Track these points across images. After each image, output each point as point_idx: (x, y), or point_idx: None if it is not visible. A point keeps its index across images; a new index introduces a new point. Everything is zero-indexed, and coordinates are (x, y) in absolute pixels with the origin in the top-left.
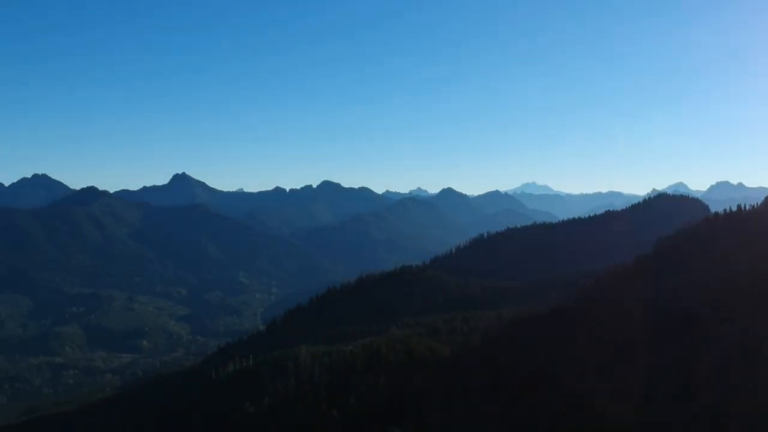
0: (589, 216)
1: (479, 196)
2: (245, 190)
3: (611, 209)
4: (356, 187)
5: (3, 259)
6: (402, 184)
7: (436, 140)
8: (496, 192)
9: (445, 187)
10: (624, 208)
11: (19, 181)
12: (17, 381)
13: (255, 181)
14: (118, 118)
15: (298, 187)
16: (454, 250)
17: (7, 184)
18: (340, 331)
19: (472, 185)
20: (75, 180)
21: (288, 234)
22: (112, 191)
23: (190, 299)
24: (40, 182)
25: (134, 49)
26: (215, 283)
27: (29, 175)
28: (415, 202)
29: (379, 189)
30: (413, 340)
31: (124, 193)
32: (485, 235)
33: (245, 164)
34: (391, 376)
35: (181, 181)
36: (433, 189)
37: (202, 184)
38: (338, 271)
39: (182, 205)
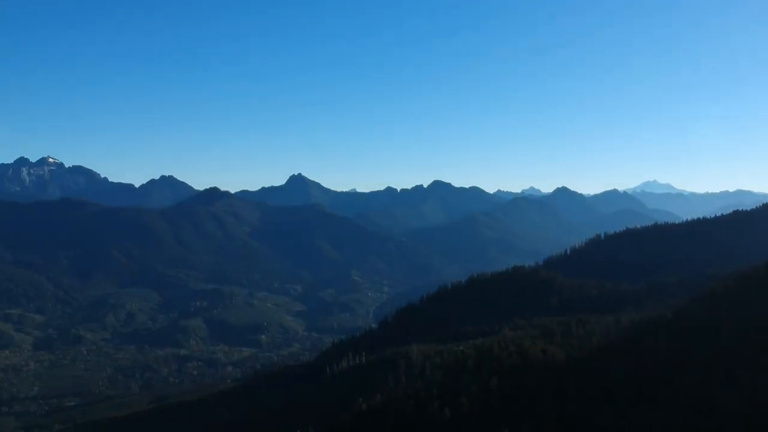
0: (715, 216)
1: (596, 196)
2: (358, 190)
3: (740, 209)
4: (467, 186)
5: (134, 256)
6: (514, 184)
7: (549, 138)
8: (614, 191)
9: (559, 186)
10: (755, 207)
11: (148, 183)
12: (147, 371)
13: (367, 182)
14: (240, 123)
15: (409, 187)
16: (568, 251)
17: (137, 185)
18: (450, 331)
19: (587, 184)
20: (199, 181)
21: (399, 233)
22: (233, 192)
23: (305, 296)
24: (167, 183)
25: (253, 55)
26: (329, 281)
27: (157, 177)
28: (528, 201)
29: (490, 188)
30: (526, 341)
31: (244, 194)
32: (602, 235)
33: (358, 165)
34: (504, 377)
35: (297, 182)
36: (547, 188)
37: (317, 185)
38: (449, 271)
39: (298, 205)
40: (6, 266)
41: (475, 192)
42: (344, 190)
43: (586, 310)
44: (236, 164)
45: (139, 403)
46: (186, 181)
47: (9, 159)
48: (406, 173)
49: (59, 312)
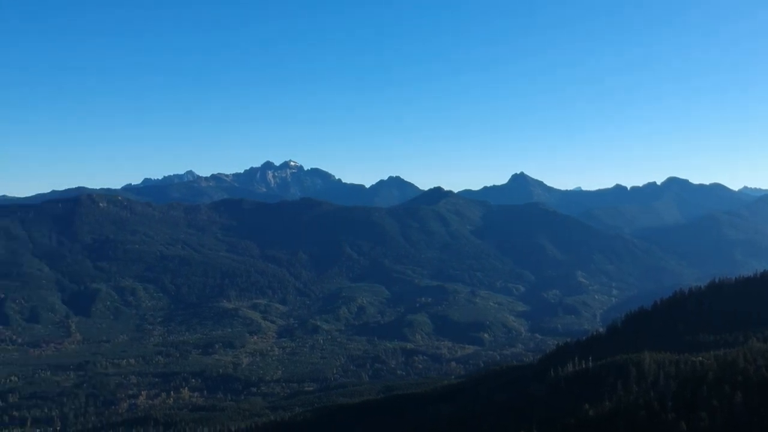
0: None
1: None
2: (583, 188)
3: None
4: (707, 183)
5: (365, 252)
6: (762, 180)
7: None
8: None
9: None
10: None
11: (377, 183)
12: (377, 362)
13: (593, 180)
14: (459, 125)
15: (641, 185)
16: None
17: (367, 185)
18: (687, 340)
19: None
20: (424, 181)
21: (629, 233)
22: (456, 191)
23: (527, 296)
24: (395, 184)
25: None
26: (553, 282)
27: (386, 178)
28: None
29: (734, 185)
30: None
31: (466, 193)
32: None
33: (583, 163)
34: (750, 393)
35: (519, 180)
36: None
37: (540, 183)
38: (686, 275)
39: (520, 203)
40: (255, 260)
41: (717, 189)
42: (568, 188)
43: None
44: (459, 164)
45: (369, 392)
46: (412, 182)
47: (257, 163)
48: (636, 170)
49: (299, 303)
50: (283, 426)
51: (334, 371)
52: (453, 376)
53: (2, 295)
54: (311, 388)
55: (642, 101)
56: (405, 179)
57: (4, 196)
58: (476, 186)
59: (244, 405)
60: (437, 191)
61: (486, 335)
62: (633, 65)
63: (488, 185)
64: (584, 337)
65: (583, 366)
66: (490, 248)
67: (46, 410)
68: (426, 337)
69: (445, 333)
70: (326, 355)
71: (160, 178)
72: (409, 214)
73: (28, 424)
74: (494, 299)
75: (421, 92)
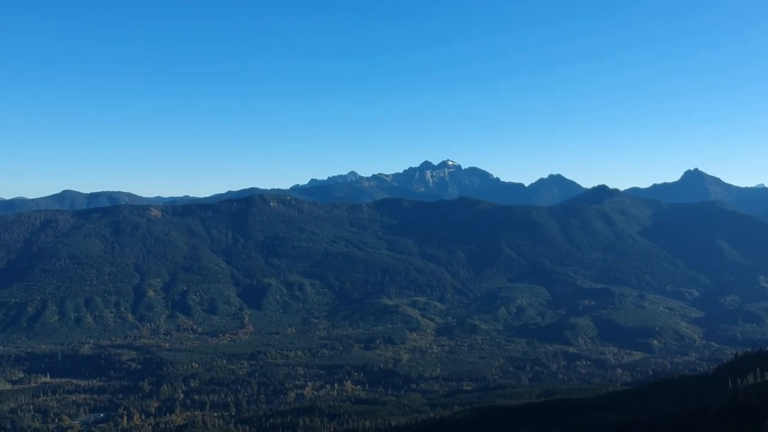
0: None
1: None
2: (766, 185)
3: None
4: None
5: (524, 252)
6: None
7: None
8: None
9: None
10: None
11: (537, 182)
12: (537, 364)
13: None
14: (632, 119)
15: None
16: None
17: (527, 184)
18: None
19: None
20: (587, 179)
21: None
22: (622, 189)
23: (702, 302)
24: (556, 182)
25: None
26: (731, 286)
27: (546, 176)
28: None
29: None
30: None
31: (634, 191)
32: None
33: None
34: None
35: (693, 177)
36: None
37: (717, 180)
38: None
39: (694, 202)
40: (414, 259)
41: None
42: (749, 185)
43: None
44: (626, 162)
45: (529, 395)
46: (574, 180)
47: (416, 163)
48: None
49: (457, 302)
50: (442, 424)
51: (493, 372)
52: (618, 383)
53: (185, 288)
54: (470, 388)
55: None
56: (566, 177)
57: (186, 196)
58: (645, 184)
59: (404, 400)
60: (601, 189)
61: (655, 342)
62: None
63: (658, 183)
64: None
65: (766, 378)
66: (660, 250)
67: (222, 395)
68: (589, 341)
69: (610, 338)
70: (485, 355)
71: (325, 178)
72: (571, 213)
73: (207, 407)
74: (665, 304)
75: (584, 87)
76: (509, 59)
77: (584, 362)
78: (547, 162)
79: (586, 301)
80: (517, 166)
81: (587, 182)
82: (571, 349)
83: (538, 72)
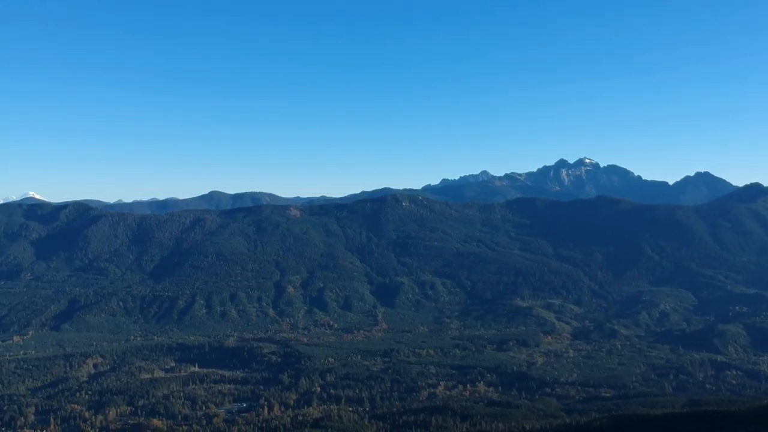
0: None
1: None
2: None
3: None
4: None
5: (668, 254)
6: None
7: None
8: None
9: None
10: None
11: (682, 180)
12: (681, 373)
13: None
14: None
15: None
16: None
17: (671, 183)
18: None
19: None
20: (738, 177)
21: None
22: None
23: None
24: (703, 180)
25: None
26: None
27: (692, 174)
28: None
29: None
30: None
31: None
32: None
33: None
34: None
35: None
36: None
37: None
38: None
39: None
40: (549, 260)
41: None
42: None
43: None
44: None
45: (673, 404)
46: (724, 177)
47: (551, 162)
48: None
49: (594, 305)
50: (579, 430)
51: (633, 379)
52: None
53: (322, 285)
54: (608, 394)
55: None
56: (715, 175)
57: (323, 196)
58: None
59: (538, 404)
60: (755, 187)
61: None
62: None
63: None
64: None
65: None
66: None
67: (356, 391)
68: (741, 351)
69: (765, 347)
70: (624, 362)
71: (456, 178)
72: (720, 213)
73: (342, 401)
74: None
75: (734, 80)
76: (650, 54)
77: (735, 372)
78: (693, 159)
79: (737, 307)
80: (661, 163)
81: (738, 180)
82: (720, 358)
83: (677, 68)
